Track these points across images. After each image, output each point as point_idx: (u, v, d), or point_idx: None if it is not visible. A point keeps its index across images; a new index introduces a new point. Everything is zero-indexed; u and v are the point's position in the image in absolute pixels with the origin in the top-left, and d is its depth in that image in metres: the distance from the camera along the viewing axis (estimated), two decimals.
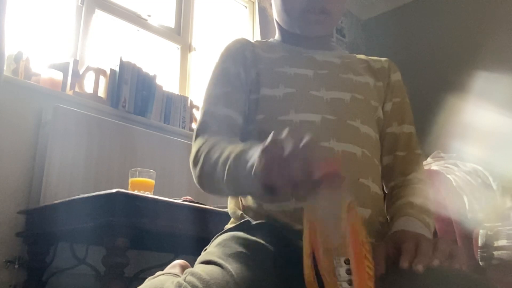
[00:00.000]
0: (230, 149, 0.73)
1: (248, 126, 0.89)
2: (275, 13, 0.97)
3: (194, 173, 0.82)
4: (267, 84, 0.88)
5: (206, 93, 0.90)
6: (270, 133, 0.81)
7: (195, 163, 0.82)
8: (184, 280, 0.66)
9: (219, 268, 0.68)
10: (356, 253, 0.57)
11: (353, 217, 0.59)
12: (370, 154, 0.86)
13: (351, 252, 0.57)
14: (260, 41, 1.02)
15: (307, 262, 0.60)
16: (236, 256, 0.70)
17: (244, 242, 0.74)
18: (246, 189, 0.71)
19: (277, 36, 1.01)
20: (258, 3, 3.06)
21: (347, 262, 0.57)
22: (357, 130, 0.85)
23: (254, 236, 0.75)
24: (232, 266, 0.67)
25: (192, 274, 0.67)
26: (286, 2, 0.92)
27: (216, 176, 0.74)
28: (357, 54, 1.04)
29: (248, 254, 0.70)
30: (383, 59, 1.00)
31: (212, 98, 0.89)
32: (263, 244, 0.73)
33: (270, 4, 1.01)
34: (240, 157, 0.69)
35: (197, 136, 0.86)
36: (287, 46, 0.96)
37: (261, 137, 0.84)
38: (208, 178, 0.79)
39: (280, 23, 0.97)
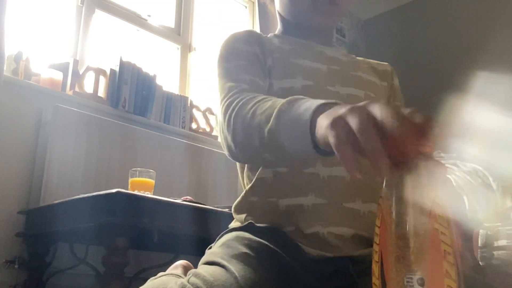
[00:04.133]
0: (272, 101, 0.64)
1: None
2: (280, 6, 0.95)
3: (227, 138, 0.72)
4: (284, 74, 0.86)
5: (219, 74, 0.82)
6: None
7: (228, 125, 0.71)
8: (188, 281, 0.66)
9: (223, 269, 0.67)
10: (434, 271, 0.43)
11: (436, 221, 0.44)
12: None
13: (427, 269, 0.44)
14: (266, 35, 0.99)
15: (374, 269, 0.48)
16: (239, 257, 0.69)
17: (248, 243, 0.73)
18: (295, 147, 0.60)
19: (279, 30, 0.99)
20: (258, 2, 3.06)
21: (421, 282, 0.44)
22: None
23: (259, 237, 0.74)
24: (235, 268, 0.66)
25: (196, 275, 0.66)
26: None
27: (256, 132, 0.65)
28: (357, 54, 1.04)
29: (252, 255, 0.70)
30: (385, 63, 1.01)
31: (230, 71, 0.81)
32: (267, 245, 0.72)
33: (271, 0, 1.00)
34: (292, 107, 0.60)
35: (225, 88, 0.77)
36: (294, 39, 0.95)
37: None
38: (245, 136, 0.68)
39: (285, 15, 0.96)
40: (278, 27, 1.00)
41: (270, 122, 0.62)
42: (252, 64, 0.83)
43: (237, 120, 0.69)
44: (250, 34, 0.90)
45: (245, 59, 0.84)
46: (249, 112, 0.67)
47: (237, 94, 0.73)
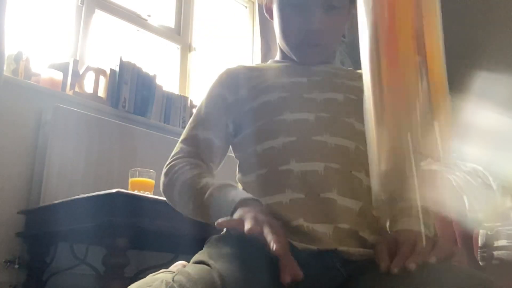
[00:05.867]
0: (206, 181, 0.83)
1: (246, 130, 0.93)
2: (278, 37, 1.02)
3: (163, 180, 0.90)
4: (261, 93, 0.92)
5: (191, 117, 0.99)
6: (268, 135, 0.87)
7: (167, 172, 0.89)
8: (173, 279, 0.67)
9: (208, 267, 0.68)
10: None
11: None
12: (365, 149, 0.86)
13: None
14: (258, 64, 1.09)
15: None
16: (226, 256, 0.71)
17: (236, 242, 0.74)
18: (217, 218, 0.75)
19: (278, 55, 1.06)
20: (258, 3, 3.06)
21: None
22: (352, 126, 0.88)
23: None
24: (220, 266, 0.67)
25: (182, 273, 0.68)
26: (285, 33, 0.96)
27: (185, 197, 0.84)
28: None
29: (238, 254, 0.71)
30: None
31: (195, 120, 0.97)
32: (255, 243, 0.73)
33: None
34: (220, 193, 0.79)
35: (178, 146, 0.94)
36: (286, 61, 1.01)
37: (260, 134, 0.89)
38: (175, 195, 0.87)
39: (281, 46, 1.02)
40: (278, 52, 1.06)
41: (203, 200, 0.80)
42: (216, 113, 0.95)
43: (174, 187, 0.87)
44: (227, 74, 0.99)
45: (214, 106, 0.96)
46: (185, 183, 0.85)
47: (180, 160, 0.89)
